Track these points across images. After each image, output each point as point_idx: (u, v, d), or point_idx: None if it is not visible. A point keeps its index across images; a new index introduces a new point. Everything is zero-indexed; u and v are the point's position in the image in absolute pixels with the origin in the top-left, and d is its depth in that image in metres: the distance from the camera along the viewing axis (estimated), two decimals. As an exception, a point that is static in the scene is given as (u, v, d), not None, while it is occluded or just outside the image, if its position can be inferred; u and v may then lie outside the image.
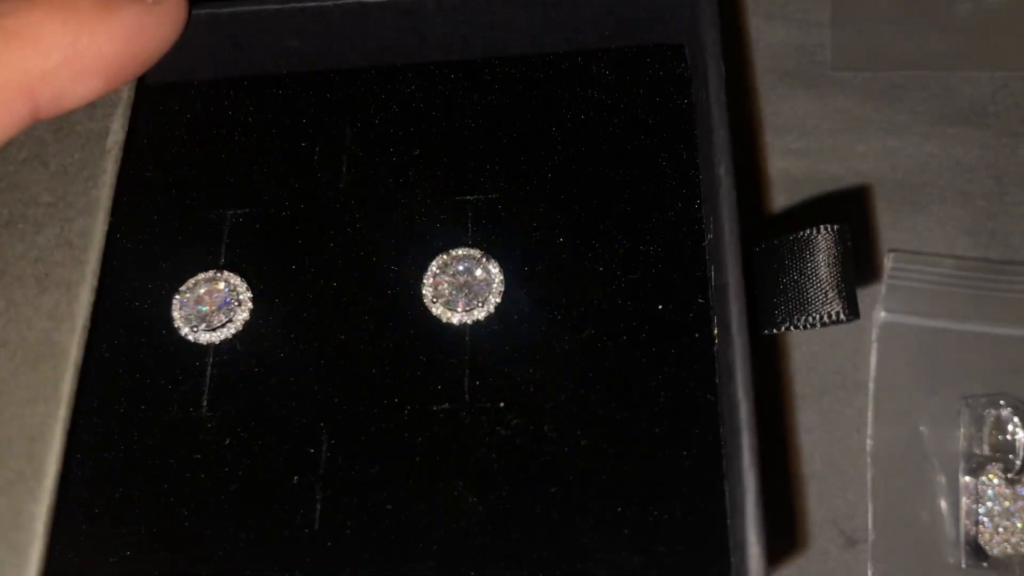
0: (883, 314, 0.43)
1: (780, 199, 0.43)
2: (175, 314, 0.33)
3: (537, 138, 0.34)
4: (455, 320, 0.32)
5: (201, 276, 0.33)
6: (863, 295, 0.43)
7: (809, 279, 0.29)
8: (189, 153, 0.35)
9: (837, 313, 0.29)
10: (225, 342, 0.33)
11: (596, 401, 0.31)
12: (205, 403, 0.32)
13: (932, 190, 0.43)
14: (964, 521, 0.42)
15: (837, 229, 0.29)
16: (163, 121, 0.36)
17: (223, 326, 0.33)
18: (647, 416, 0.30)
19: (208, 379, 0.32)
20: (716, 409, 0.30)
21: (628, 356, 0.31)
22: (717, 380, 0.30)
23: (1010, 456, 0.41)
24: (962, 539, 0.42)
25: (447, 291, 0.32)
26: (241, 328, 0.33)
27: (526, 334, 0.32)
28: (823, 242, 0.29)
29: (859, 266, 0.43)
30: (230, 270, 0.34)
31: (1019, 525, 0.41)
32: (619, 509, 0.29)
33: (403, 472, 0.30)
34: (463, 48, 0.35)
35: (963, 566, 0.42)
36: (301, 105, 0.36)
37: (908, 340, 0.43)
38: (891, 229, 0.43)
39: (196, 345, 0.33)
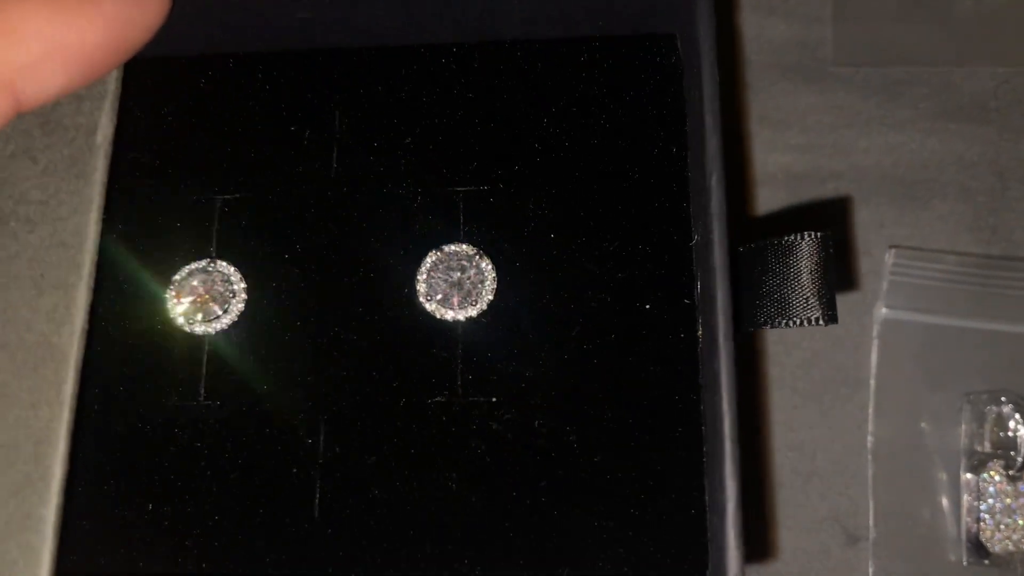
0: (884, 311, 0.43)
1: (781, 195, 0.43)
2: (169, 304, 0.33)
3: (528, 128, 0.35)
4: (448, 317, 0.33)
5: (194, 266, 0.34)
6: (865, 291, 0.43)
7: (791, 284, 0.31)
8: (175, 134, 0.35)
9: (817, 319, 0.30)
10: (220, 332, 0.33)
11: (584, 398, 0.32)
12: (202, 393, 0.33)
13: (934, 186, 0.43)
14: (965, 518, 0.42)
15: (821, 236, 0.31)
16: (148, 100, 0.35)
17: (218, 318, 0.33)
18: (633, 414, 0.32)
19: (204, 370, 0.33)
20: (700, 408, 0.31)
21: (615, 354, 0.32)
22: (700, 381, 0.31)
23: (1011, 453, 0.41)
24: (963, 536, 0.42)
25: (441, 289, 0.33)
26: (236, 319, 0.33)
27: (517, 330, 0.33)
28: (806, 248, 0.31)
29: (860, 262, 0.43)
30: (222, 258, 0.34)
31: (1020, 522, 0.41)
32: (604, 503, 0.31)
33: (399, 463, 0.32)
34: (455, 31, 0.35)
35: (964, 563, 0.42)
36: (290, 86, 0.35)
37: (909, 337, 0.43)
38: (892, 225, 0.43)
39: (191, 336, 0.33)
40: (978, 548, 0.41)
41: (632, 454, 0.31)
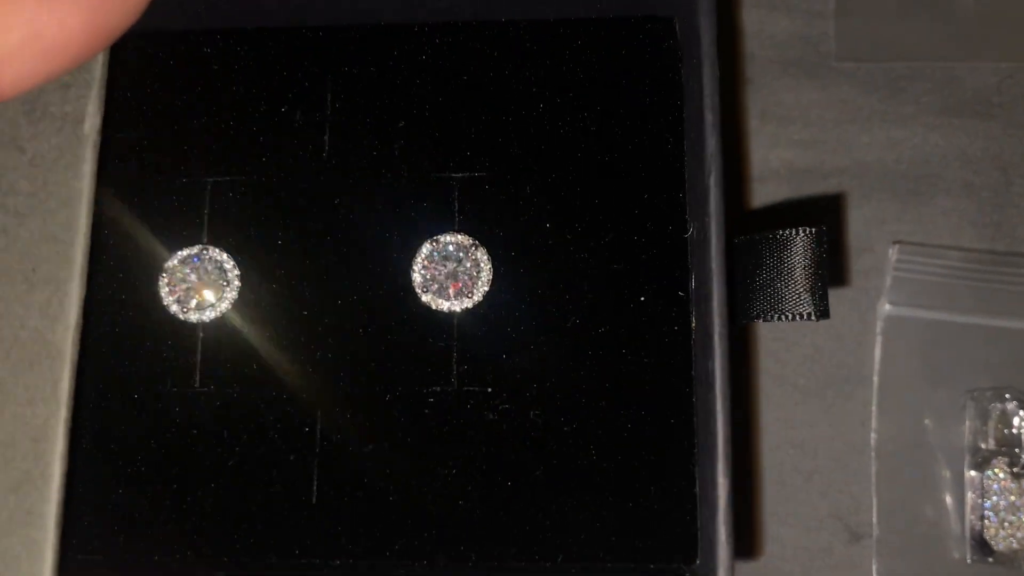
0: (887, 307, 0.42)
1: (784, 191, 0.43)
2: (163, 292, 0.33)
3: (523, 113, 0.34)
4: (444, 308, 0.33)
5: (186, 252, 0.33)
6: (868, 288, 0.43)
7: (784, 278, 0.31)
8: (162, 112, 0.35)
9: (809, 314, 0.31)
10: (213, 320, 0.33)
11: (579, 389, 0.33)
12: (197, 381, 0.33)
13: (937, 181, 0.43)
14: (969, 516, 0.42)
15: (815, 231, 0.31)
16: (134, 77, 0.35)
17: (211, 306, 0.33)
18: (626, 405, 0.32)
19: (199, 357, 0.33)
20: (692, 401, 0.32)
21: (610, 346, 0.33)
22: (693, 374, 0.32)
23: (1016, 450, 0.41)
24: (967, 534, 0.42)
25: (437, 280, 0.33)
26: (230, 307, 0.33)
27: (512, 321, 0.33)
28: (801, 243, 0.31)
29: (863, 258, 0.43)
30: (213, 243, 0.34)
31: (1025, 519, 0.41)
32: (597, 492, 0.32)
33: (395, 452, 0.32)
34: (450, 10, 0.35)
35: (968, 561, 0.42)
36: (279, 64, 0.35)
37: (913, 333, 0.42)
38: (895, 221, 0.43)
39: (186, 323, 0.33)
40: (982, 546, 0.41)
41: (625, 445, 0.32)
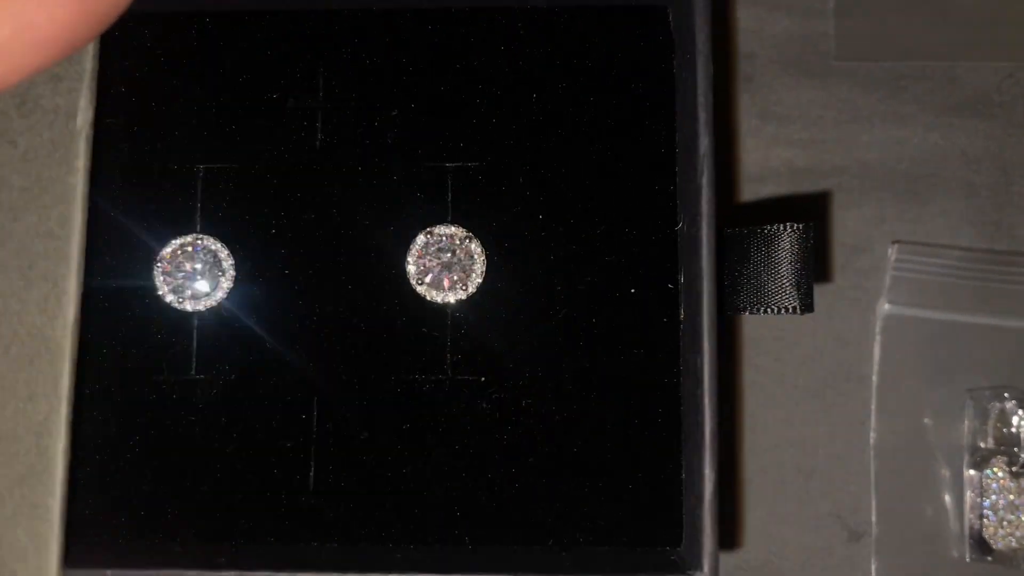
0: (887, 306, 0.43)
1: (784, 190, 0.43)
2: (158, 282, 0.33)
3: (517, 102, 0.35)
4: (438, 299, 0.34)
5: (179, 242, 0.34)
6: (867, 287, 0.43)
7: (771, 272, 0.32)
8: (152, 97, 0.35)
9: (794, 308, 0.31)
10: (209, 309, 0.34)
11: (569, 378, 0.34)
12: (194, 369, 0.34)
13: (937, 181, 0.43)
14: (968, 515, 0.42)
15: (802, 227, 0.32)
16: (123, 60, 0.35)
17: (207, 295, 0.33)
18: (615, 394, 0.33)
19: (195, 345, 0.34)
20: (679, 391, 0.33)
21: (600, 337, 0.34)
22: (680, 364, 0.33)
23: (1015, 449, 0.41)
24: (966, 533, 0.42)
25: (431, 272, 0.34)
26: (225, 296, 0.34)
27: (505, 312, 0.34)
28: (788, 239, 0.32)
29: (862, 257, 0.43)
30: (206, 230, 0.34)
31: (1024, 518, 0.41)
32: (586, 478, 0.33)
33: (390, 439, 0.33)
34: None
35: (967, 560, 0.42)
36: (271, 48, 0.35)
37: (912, 332, 0.43)
38: (895, 220, 0.43)
39: (181, 312, 0.34)
40: (981, 545, 0.41)
41: (613, 433, 0.33)
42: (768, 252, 0.32)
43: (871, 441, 0.42)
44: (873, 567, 0.42)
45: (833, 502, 0.42)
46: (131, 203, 0.34)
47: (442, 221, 0.34)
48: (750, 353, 0.43)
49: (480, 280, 0.34)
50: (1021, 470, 0.41)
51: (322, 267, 0.34)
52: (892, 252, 0.43)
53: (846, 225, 0.43)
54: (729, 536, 0.42)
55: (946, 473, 0.42)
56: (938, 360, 0.43)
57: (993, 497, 0.41)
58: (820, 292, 0.43)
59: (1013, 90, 0.43)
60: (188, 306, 0.33)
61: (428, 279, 0.34)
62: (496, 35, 0.35)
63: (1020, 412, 0.41)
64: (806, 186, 0.43)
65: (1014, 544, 0.41)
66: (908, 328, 0.43)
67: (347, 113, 0.35)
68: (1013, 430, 0.41)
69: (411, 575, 0.30)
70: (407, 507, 0.33)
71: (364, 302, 0.34)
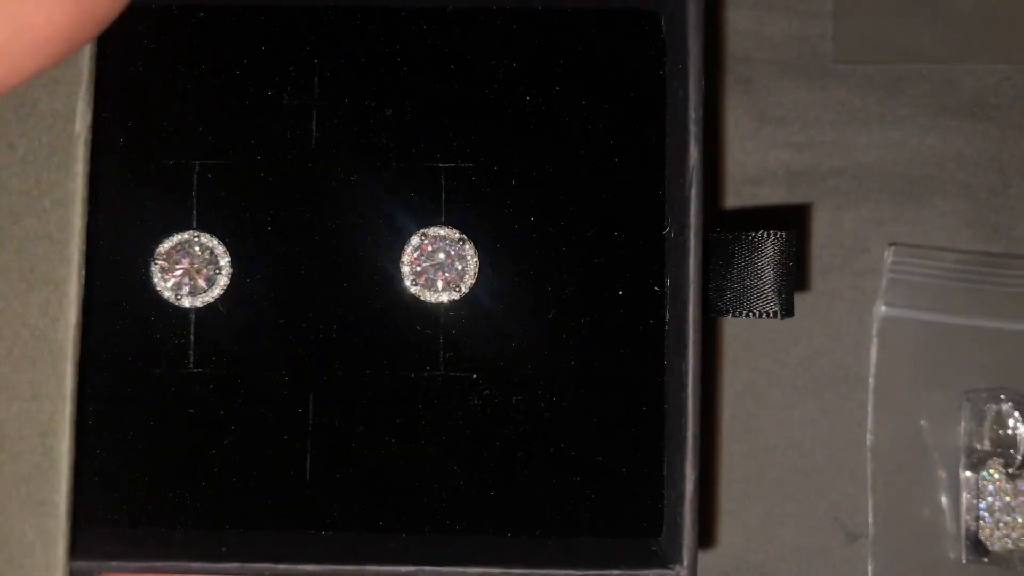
0: (884, 308, 0.43)
1: (781, 192, 0.43)
2: (155, 279, 0.34)
3: (510, 103, 0.35)
4: (431, 299, 0.34)
5: (177, 238, 0.34)
6: (864, 289, 0.43)
7: (753, 277, 0.33)
8: (145, 92, 0.35)
9: (775, 312, 0.33)
10: (206, 306, 0.34)
11: (558, 377, 0.35)
12: (192, 363, 0.34)
13: (934, 183, 0.43)
14: (965, 516, 0.42)
15: (785, 235, 0.33)
16: (116, 55, 0.34)
17: (204, 292, 0.34)
18: (602, 392, 0.35)
19: (193, 340, 0.35)
20: (663, 391, 0.34)
21: (588, 337, 0.35)
22: (665, 363, 0.34)
23: (1011, 451, 0.42)
24: (963, 534, 0.42)
25: (425, 274, 0.34)
26: (222, 293, 0.34)
27: (496, 312, 0.35)
28: (771, 246, 0.33)
29: (859, 259, 0.43)
30: (203, 227, 0.34)
31: (1020, 520, 0.41)
32: (572, 473, 0.34)
33: (384, 432, 0.35)
34: None
35: (964, 561, 0.42)
36: (265, 44, 0.35)
37: (909, 334, 0.43)
38: (892, 222, 0.43)
39: (178, 308, 0.34)
40: (977, 546, 0.42)
41: (599, 430, 0.35)
42: (751, 258, 0.33)
43: (868, 443, 0.43)
44: (870, 568, 0.42)
45: (830, 503, 0.43)
46: (127, 199, 0.34)
47: (436, 220, 0.35)
48: (747, 355, 0.43)
49: (473, 281, 0.34)
50: (1017, 472, 0.41)
51: (317, 264, 0.35)
52: (889, 254, 0.43)
53: (843, 227, 0.43)
54: (726, 536, 0.43)
55: (942, 475, 0.43)
56: (935, 362, 0.43)
57: (989, 499, 0.42)
58: (816, 294, 0.43)
59: (1010, 92, 0.44)
60: (185, 302, 0.34)
61: (422, 280, 0.34)
62: (492, 36, 0.35)
63: (1016, 414, 0.42)
64: (803, 188, 0.43)
65: (1010, 546, 0.41)
66: (905, 330, 0.43)
67: (342, 111, 0.35)
68: (1009, 432, 0.42)
69: (407, 567, 0.31)
70: (399, 498, 0.34)
71: (359, 299, 0.35)
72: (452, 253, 0.34)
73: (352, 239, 0.35)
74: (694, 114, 0.32)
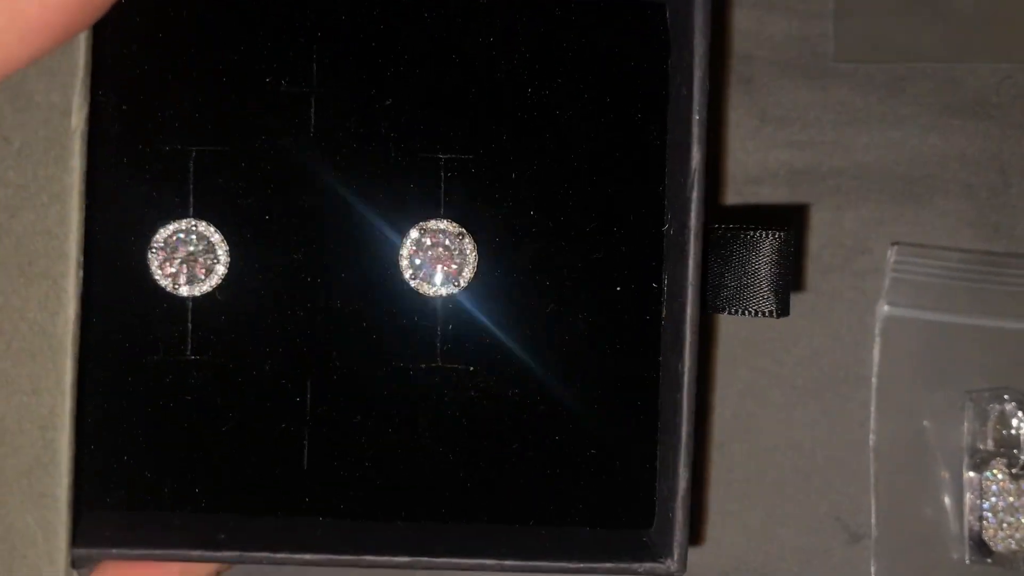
0: (886, 308, 0.43)
1: (782, 192, 0.44)
2: (152, 267, 0.34)
3: (511, 95, 0.36)
4: (430, 292, 0.35)
5: (174, 226, 0.34)
6: (866, 289, 0.43)
7: (750, 275, 0.34)
8: (142, 75, 0.35)
9: (771, 311, 0.34)
10: (204, 294, 0.35)
11: (555, 371, 0.35)
12: (189, 352, 0.35)
13: (936, 182, 0.44)
14: (968, 517, 0.42)
15: (783, 235, 0.33)
16: (112, 38, 0.35)
17: (202, 281, 0.34)
18: (597, 387, 0.35)
19: (190, 328, 0.35)
20: (657, 386, 0.35)
21: (585, 332, 0.35)
22: (660, 359, 0.35)
23: (1014, 451, 0.42)
24: (966, 535, 0.42)
25: (424, 267, 0.35)
26: (219, 282, 0.35)
27: (494, 305, 0.35)
28: (768, 246, 0.34)
29: (861, 259, 0.44)
30: (199, 215, 0.35)
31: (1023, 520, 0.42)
32: (566, 464, 0.35)
33: (382, 422, 0.35)
34: None
35: (967, 562, 0.42)
36: (265, 31, 0.35)
37: (911, 334, 0.43)
38: (894, 222, 0.44)
39: (176, 296, 0.35)
40: (981, 547, 0.42)
41: (594, 423, 0.35)
42: (749, 256, 0.34)
43: (870, 443, 0.43)
44: (872, 569, 0.43)
45: (832, 504, 0.43)
46: (123, 187, 0.35)
47: (435, 211, 0.35)
48: (748, 354, 0.43)
49: (471, 275, 0.35)
50: (1021, 472, 0.42)
51: (315, 254, 0.35)
52: (891, 254, 0.43)
53: (843, 227, 0.44)
54: (728, 536, 0.43)
55: (945, 475, 0.43)
56: (937, 362, 0.43)
57: (993, 499, 0.42)
58: (817, 294, 0.43)
59: (1011, 91, 0.44)
60: (183, 291, 0.34)
61: (421, 274, 0.35)
62: (494, 25, 0.36)
63: (1020, 414, 0.42)
64: (804, 188, 0.44)
65: (1014, 546, 0.41)
66: (907, 330, 0.43)
67: (341, 99, 0.35)
68: (1013, 432, 0.42)
69: (402, 557, 0.32)
70: (395, 487, 0.35)
71: (357, 290, 0.35)
72: (451, 247, 0.35)
73: (351, 228, 0.35)
74: (698, 115, 0.32)
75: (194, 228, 0.34)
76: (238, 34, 0.35)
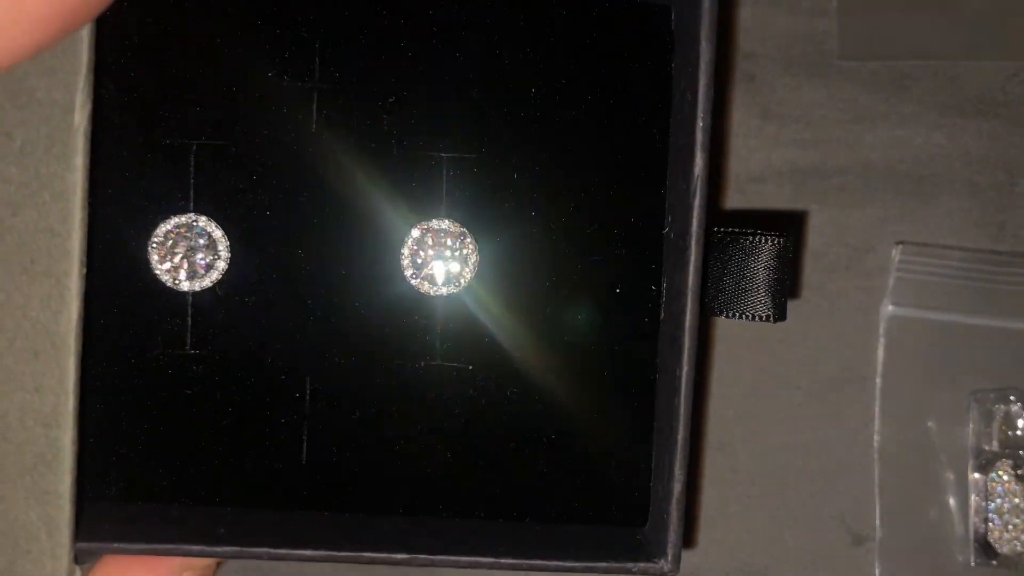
0: (891, 308, 0.43)
1: (786, 190, 0.44)
2: (153, 261, 0.35)
3: (514, 94, 0.36)
4: (431, 291, 0.35)
5: (175, 221, 0.35)
6: (871, 288, 0.44)
7: (748, 280, 0.35)
8: (143, 67, 0.35)
9: (767, 316, 0.34)
10: (205, 289, 0.35)
11: (553, 370, 0.36)
12: (189, 346, 0.35)
13: (941, 181, 0.44)
14: (973, 518, 0.42)
15: (782, 241, 0.34)
16: (113, 30, 0.35)
17: (202, 275, 0.34)
18: (595, 388, 0.36)
19: (190, 323, 0.35)
20: (653, 388, 0.36)
21: (584, 333, 0.36)
22: (657, 362, 0.36)
23: (1020, 452, 0.42)
24: (971, 536, 0.42)
25: (425, 266, 0.35)
26: (220, 277, 0.35)
27: (494, 304, 0.36)
28: (767, 251, 0.34)
29: (866, 258, 0.44)
30: (199, 208, 0.35)
31: (1029, 522, 0.42)
32: (564, 463, 0.36)
33: (380, 418, 0.36)
34: None
35: (972, 564, 0.42)
36: (267, 25, 0.36)
37: (916, 334, 0.43)
38: (899, 221, 0.44)
39: (176, 291, 0.35)
40: (986, 549, 0.42)
41: (591, 422, 0.36)
42: (747, 261, 0.34)
43: (875, 444, 0.43)
44: (876, 571, 0.43)
45: (836, 505, 0.43)
46: (124, 180, 0.35)
47: (436, 208, 0.36)
48: (752, 355, 0.44)
49: (472, 275, 0.35)
50: (1026, 473, 0.42)
51: (315, 250, 0.36)
52: (896, 253, 0.43)
53: (849, 226, 0.44)
54: (731, 538, 0.43)
55: (950, 476, 0.43)
56: (942, 362, 0.43)
57: (998, 500, 0.42)
58: (822, 293, 0.44)
59: (1017, 90, 0.44)
60: (184, 286, 0.34)
61: (422, 273, 0.35)
62: (498, 26, 0.36)
63: (1025, 414, 0.42)
64: (808, 186, 0.44)
65: (1019, 548, 0.42)
66: (912, 330, 0.43)
67: (344, 95, 0.36)
68: (1018, 433, 0.42)
69: (401, 554, 0.33)
70: (393, 482, 0.36)
71: (357, 287, 0.36)
72: (453, 247, 0.35)
73: (352, 225, 0.36)
74: (702, 122, 0.32)
75: (195, 223, 0.35)
76: (241, 29, 0.35)
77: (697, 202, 0.32)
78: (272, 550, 0.32)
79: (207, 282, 0.35)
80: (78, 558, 0.31)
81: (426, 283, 0.35)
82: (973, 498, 0.42)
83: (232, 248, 0.35)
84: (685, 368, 0.33)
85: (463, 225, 0.35)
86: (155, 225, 0.35)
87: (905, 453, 0.43)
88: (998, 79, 0.44)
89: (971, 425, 0.43)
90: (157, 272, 0.35)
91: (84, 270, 0.31)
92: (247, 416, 0.36)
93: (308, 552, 0.33)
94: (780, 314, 0.35)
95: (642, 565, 0.33)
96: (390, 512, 0.36)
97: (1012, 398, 0.42)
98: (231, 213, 0.35)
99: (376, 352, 0.36)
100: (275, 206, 0.35)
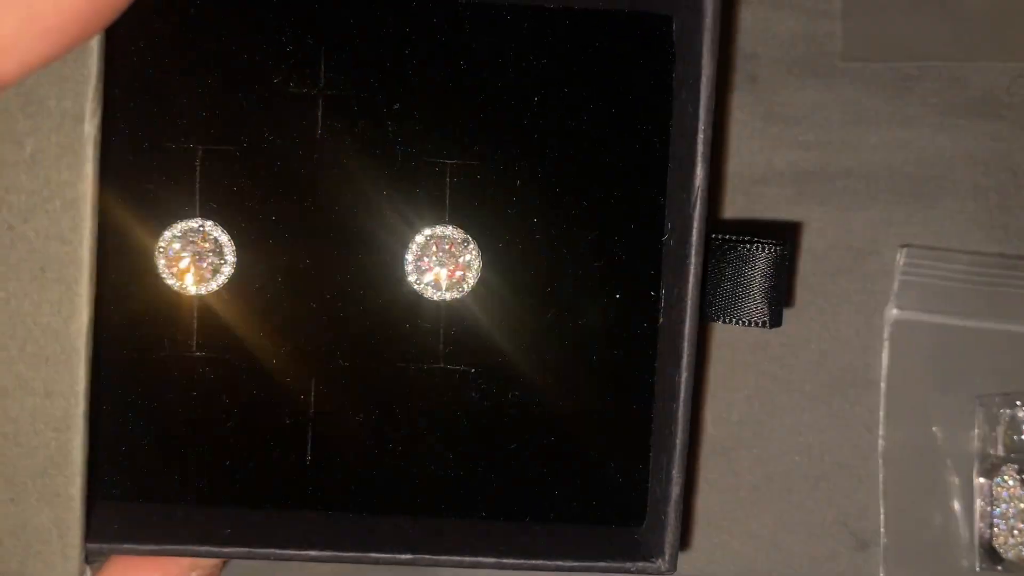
0: (895, 311, 0.43)
1: (789, 192, 0.44)
2: (159, 267, 0.35)
3: (518, 102, 0.37)
4: (435, 297, 0.36)
5: (181, 226, 0.35)
6: (875, 292, 0.44)
7: (745, 286, 0.36)
8: (149, 72, 0.36)
9: (764, 322, 0.36)
10: (212, 293, 0.36)
11: (554, 374, 0.37)
12: (195, 349, 0.36)
13: (945, 183, 0.44)
14: (978, 523, 0.43)
15: (779, 248, 0.35)
16: (120, 35, 0.35)
17: (208, 280, 0.35)
18: (595, 391, 0.37)
19: (196, 326, 0.36)
20: (652, 391, 0.37)
21: (584, 337, 0.37)
22: (656, 366, 0.37)
23: (1025, 456, 0.42)
24: (976, 542, 0.43)
25: (429, 272, 0.36)
26: (226, 281, 0.36)
27: (497, 310, 0.37)
28: (764, 259, 0.36)
29: (870, 261, 0.44)
30: (206, 213, 0.36)
31: (1034, 527, 0.42)
32: (563, 465, 0.37)
33: (384, 421, 0.37)
34: None
35: (977, 569, 0.43)
36: (273, 31, 0.36)
37: (921, 338, 0.43)
38: (903, 223, 0.44)
39: (183, 295, 0.36)
40: (991, 554, 0.42)
41: (591, 426, 0.37)
42: (744, 268, 0.36)
43: (879, 448, 0.43)
44: (881, 576, 0.43)
45: (840, 510, 0.43)
46: (131, 185, 0.36)
47: (440, 215, 0.36)
48: (755, 359, 0.44)
49: (475, 281, 0.36)
50: (1031, 478, 0.42)
51: (320, 255, 0.36)
52: (901, 256, 0.43)
53: (853, 228, 0.44)
54: (735, 543, 0.43)
55: (955, 481, 0.43)
56: (948, 366, 0.43)
57: (1003, 505, 0.42)
58: (825, 297, 0.44)
59: (1022, 91, 0.44)
60: (190, 290, 0.35)
61: (426, 279, 0.36)
62: (504, 32, 0.36)
63: (1031, 419, 0.42)
64: (811, 188, 0.44)
65: (1024, 553, 0.42)
66: (917, 333, 0.43)
67: (349, 102, 0.36)
68: (1023, 437, 0.42)
69: (405, 555, 0.34)
70: (396, 483, 0.37)
71: (361, 292, 0.36)
72: (456, 253, 0.36)
73: (356, 231, 0.36)
74: (703, 133, 0.33)
75: (201, 228, 0.35)
76: (247, 35, 0.36)
77: (697, 212, 0.33)
78: (279, 551, 0.33)
79: (213, 286, 0.36)
80: (88, 558, 0.32)
81: (429, 288, 0.36)
82: (978, 503, 0.43)
83: (238, 253, 0.36)
84: (684, 373, 0.34)
85: (466, 231, 0.36)
86: (162, 230, 0.35)
87: (910, 457, 0.43)
88: (1002, 81, 0.44)
89: (976, 430, 0.43)
90: (164, 277, 0.35)
91: (95, 277, 0.31)
92: (253, 418, 0.36)
93: (315, 553, 0.33)
94: (776, 320, 0.36)
95: (640, 564, 0.34)
96: (393, 513, 0.36)
97: (1018, 403, 0.42)
98: (237, 218, 0.36)
99: (380, 355, 0.37)
100: (281, 211, 0.36)
